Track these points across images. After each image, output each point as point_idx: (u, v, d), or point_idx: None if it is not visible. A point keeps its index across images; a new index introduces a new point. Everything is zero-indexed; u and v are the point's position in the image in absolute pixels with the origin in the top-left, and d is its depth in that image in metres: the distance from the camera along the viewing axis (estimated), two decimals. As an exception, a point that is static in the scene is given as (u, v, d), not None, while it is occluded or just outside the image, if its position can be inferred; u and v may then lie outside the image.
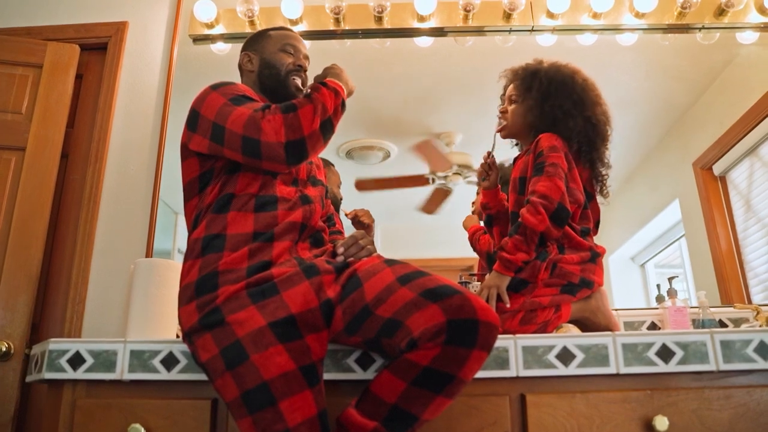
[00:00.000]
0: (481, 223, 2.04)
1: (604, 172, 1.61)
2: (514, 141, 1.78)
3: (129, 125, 2.15)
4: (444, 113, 2.23)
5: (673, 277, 1.93)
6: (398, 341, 1.09)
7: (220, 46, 2.30)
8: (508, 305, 1.41)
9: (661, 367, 1.29)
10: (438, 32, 2.27)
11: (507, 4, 2.17)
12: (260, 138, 1.20)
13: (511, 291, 1.42)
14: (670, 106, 2.25)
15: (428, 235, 2.14)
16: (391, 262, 1.21)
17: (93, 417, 1.29)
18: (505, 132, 1.68)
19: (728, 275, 2.13)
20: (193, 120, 1.31)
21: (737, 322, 1.92)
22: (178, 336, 1.89)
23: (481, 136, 2.17)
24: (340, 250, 1.29)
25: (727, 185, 2.39)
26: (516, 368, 1.28)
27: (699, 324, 1.81)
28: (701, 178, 2.31)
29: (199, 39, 2.28)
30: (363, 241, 1.33)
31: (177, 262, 1.68)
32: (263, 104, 1.26)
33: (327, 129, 1.26)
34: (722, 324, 1.92)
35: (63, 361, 1.31)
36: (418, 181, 2.16)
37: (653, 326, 1.93)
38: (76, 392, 1.32)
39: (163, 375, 1.29)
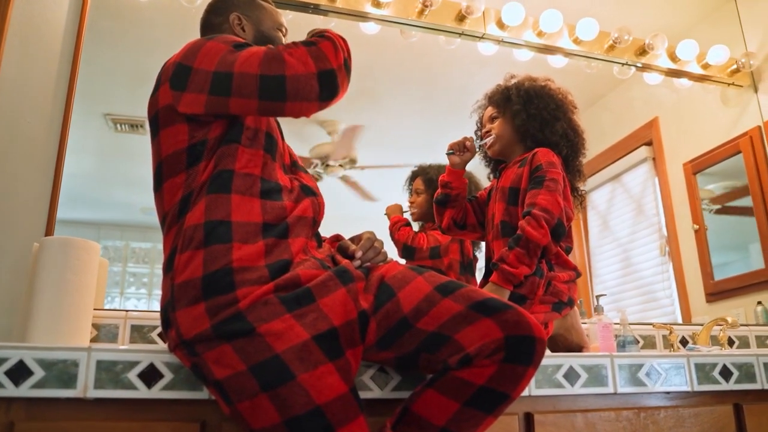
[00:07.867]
0: (407, 216, 2.01)
1: (581, 187, 1.64)
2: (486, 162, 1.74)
3: (23, 68, 1.71)
4: (343, 102, 2.19)
5: (600, 295, 2.05)
6: (444, 357, 1.00)
7: (143, -10, 1.96)
8: None
9: (649, 388, 1.36)
10: (390, 22, 2.17)
11: (465, 8, 2.14)
12: (285, 72, 1.04)
13: (512, 307, 1.39)
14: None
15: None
16: (418, 270, 1.12)
17: (39, 446, 1.00)
18: (497, 146, 1.62)
19: (578, 286, 2.34)
20: (182, 76, 1.08)
21: (647, 339, 2.12)
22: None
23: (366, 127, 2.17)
24: (359, 254, 1.16)
25: (587, 205, 2.64)
26: (529, 387, 1.26)
27: (620, 341, 1.95)
28: (562, 196, 2.52)
29: (120, -24, 1.91)
30: (378, 243, 1.21)
31: (96, 244, 1.38)
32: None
33: (347, 69, 1.11)
34: (637, 340, 2.10)
35: (-1, 373, 0.99)
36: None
37: (581, 339, 2.04)
38: (11, 413, 1.01)
39: (142, 392, 1.04)
